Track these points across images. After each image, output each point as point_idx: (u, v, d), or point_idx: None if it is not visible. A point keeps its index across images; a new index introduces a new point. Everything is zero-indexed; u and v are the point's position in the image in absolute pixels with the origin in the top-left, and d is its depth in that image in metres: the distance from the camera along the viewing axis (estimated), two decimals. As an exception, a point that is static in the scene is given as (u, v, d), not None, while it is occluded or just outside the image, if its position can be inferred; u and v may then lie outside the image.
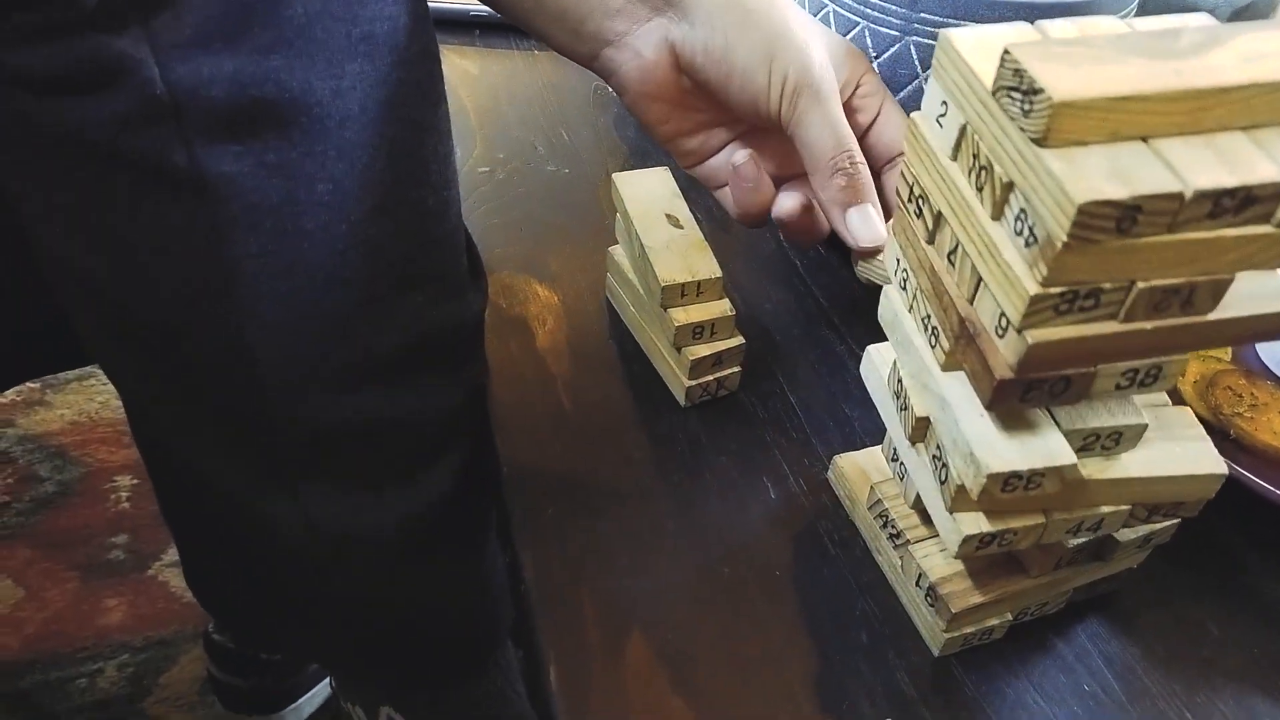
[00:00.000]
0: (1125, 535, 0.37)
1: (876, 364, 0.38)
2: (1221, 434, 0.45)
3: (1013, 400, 0.30)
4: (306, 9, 0.32)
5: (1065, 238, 0.24)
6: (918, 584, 0.38)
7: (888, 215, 0.42)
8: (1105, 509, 0.34)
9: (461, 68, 0.70)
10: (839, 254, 0.56)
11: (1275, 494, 0.40)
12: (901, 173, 0.32)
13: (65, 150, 0.32)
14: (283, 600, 0.50)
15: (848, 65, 0.41)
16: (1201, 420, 0.46)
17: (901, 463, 0.37)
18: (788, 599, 0.39)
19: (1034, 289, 0.26)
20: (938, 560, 0.37)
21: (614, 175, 0.48)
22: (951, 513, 0.33)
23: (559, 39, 0.42)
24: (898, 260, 0.34)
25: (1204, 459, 0.34)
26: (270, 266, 0.35)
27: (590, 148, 0.63)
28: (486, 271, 0.50)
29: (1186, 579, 0.41)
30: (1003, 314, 0.28)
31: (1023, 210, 0.26)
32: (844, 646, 0.38)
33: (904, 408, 0.35)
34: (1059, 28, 0.28)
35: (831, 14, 0.48)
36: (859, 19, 0.47)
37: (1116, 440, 0.33)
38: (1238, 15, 0.58)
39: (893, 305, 0.35)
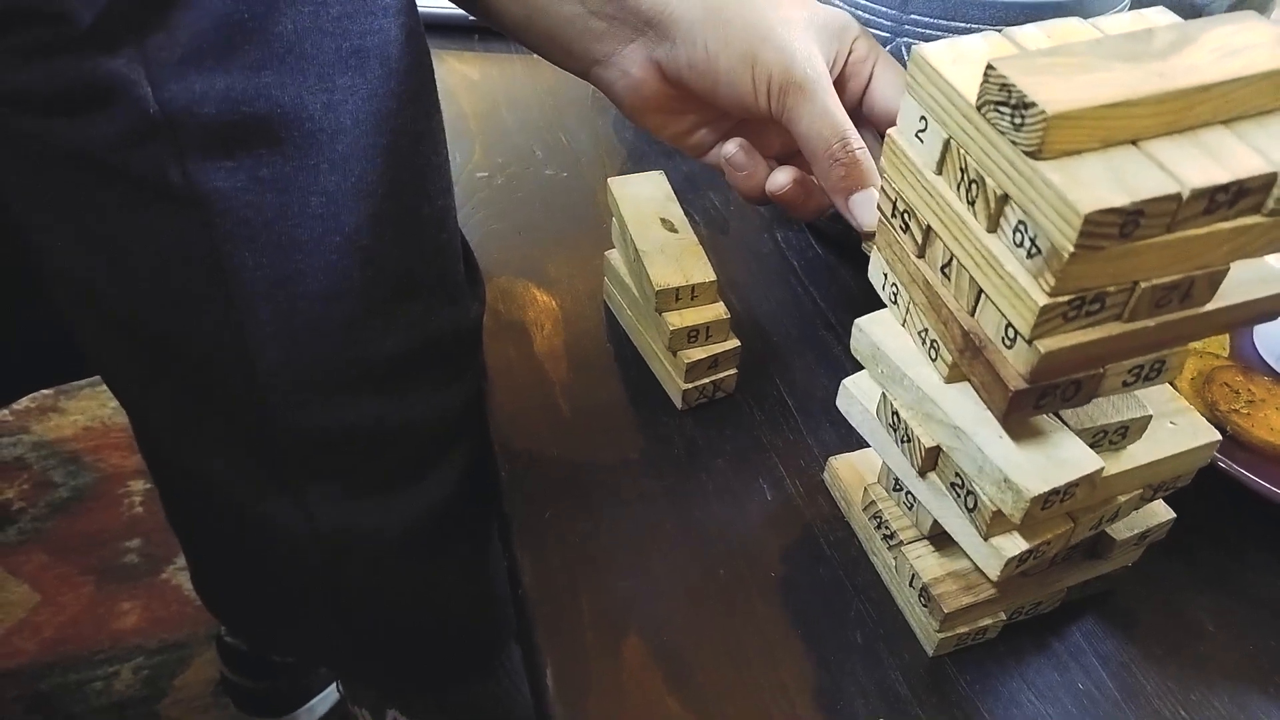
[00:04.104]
0: (1121, 533, 0.37)
1: (857, 396, 0.37)
2: (1218, 430, 0.45)
3: (1027, 409, 0.30)
4: (296, 25, 0.32)
5: (1071, 248, 0.24)
6: (911, 585, 0.38)
7: None
8: (1121, 498, 0.35)
9: (461, 73, 0.71)
10: (836, 254, 0.57)
11: (1271, 490, 0.40)
12: (883, 188, 0.32)
13: (63, 167, 0.33)
14: (288, 604, 0.50)
15: (837, 37, 0.41)
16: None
17: (908, 492, 0.37)
18: (783, 600, 0.39)
19: (1043, 300, 0.26)
20: (930, 561, 0.37)
21: (609, 180, 0.49)
22: (987, 539, 0.33)
23: (553, 56, 0.44)
24: (885, 275, 0.34)
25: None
26: (267, 278, 0.36)
27: (589, 151, 0.63)
28: (485, 277, 0.51)
29: (1182, 576, 0.41)
30: (1009, 325, 0.27)
31: (1021, 222, 0.26)
32: (839, 647, 0.38)
33: (906, 439, 0.35)
34: (1030, 35, 0.28)
35: (824, 16, 0.48)
36: (850, 21, 0.47)
37: (1123, 434, 0.33)
38: (1234, 10, 0.57)
39: (869, 338, 0.35)
